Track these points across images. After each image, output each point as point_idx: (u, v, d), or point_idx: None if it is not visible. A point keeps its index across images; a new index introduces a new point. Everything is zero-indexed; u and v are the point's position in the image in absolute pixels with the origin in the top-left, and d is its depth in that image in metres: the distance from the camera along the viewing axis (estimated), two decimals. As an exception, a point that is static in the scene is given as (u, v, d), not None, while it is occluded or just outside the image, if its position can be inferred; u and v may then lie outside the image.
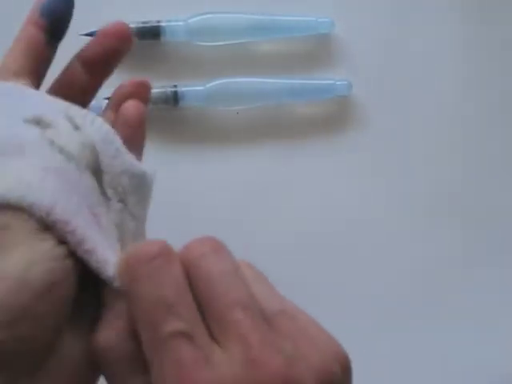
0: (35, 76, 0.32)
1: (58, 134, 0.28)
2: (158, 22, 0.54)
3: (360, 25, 0.56)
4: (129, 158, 0.31)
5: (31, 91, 0.30)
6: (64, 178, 0.27)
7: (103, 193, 0.29)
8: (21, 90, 0.30)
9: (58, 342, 0.26)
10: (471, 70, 0.57)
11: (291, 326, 0.27)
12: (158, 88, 0.53)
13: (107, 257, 0.27)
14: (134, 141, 0.34)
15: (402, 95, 0.56)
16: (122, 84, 0.35)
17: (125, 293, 0.26)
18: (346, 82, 0.55)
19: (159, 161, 0.54)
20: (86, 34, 0.50)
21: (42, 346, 0.26)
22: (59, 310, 0.26)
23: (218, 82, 0.54)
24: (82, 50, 0.34)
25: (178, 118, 0.55)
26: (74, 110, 0.30)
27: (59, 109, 0.29)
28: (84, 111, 0.30)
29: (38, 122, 0.28)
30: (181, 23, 0.54)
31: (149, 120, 0.55)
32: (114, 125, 0.33)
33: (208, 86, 0.54)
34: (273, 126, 0.55)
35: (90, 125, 0.30)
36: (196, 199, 0.54)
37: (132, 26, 0.53)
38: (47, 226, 0.25)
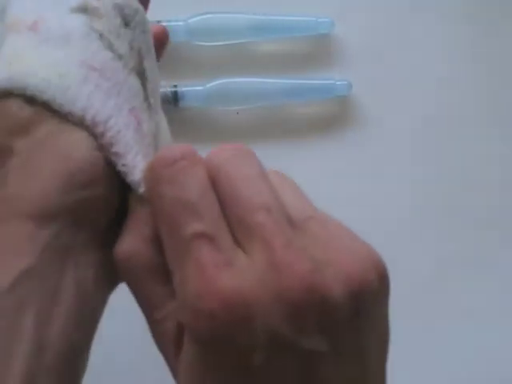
0: None
1: (108, 27, 0.27)
2: (158, 21, 0.54)
3: (360, 25, 0.57)
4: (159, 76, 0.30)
5: None
6: (107, 77, 0.26)
7: (147, 99, 0.28)
8: None
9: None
10: (471, 70, 0.57)
11: (321, 231, 0.26)
12: (158, 88, 0.53)
13: (136, 162, 0.26)
14: None
15: (402, 95, 0.56)
16: None
17: (148, 197, 0.25)
18: (345, 82, 0.55)
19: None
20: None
21: (112, 206, 0.27)
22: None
23: (218, 82, 0.54)
24: None
25: (177, 118, 0.55)
26: (125, 1, 0.28)
27: None
28: (135, 5, 0.29)
29: (85, 10, 0.27)
30: (181, 23, 0.54)
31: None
32: None
33: (208, 86, 0.54)
34: (273, 126, 0.55)
35: (139, 25, 0.28)
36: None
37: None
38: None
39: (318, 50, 0.56)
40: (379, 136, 0.56)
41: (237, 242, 0.24)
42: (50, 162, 0.25)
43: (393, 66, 0.56)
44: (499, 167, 0.56)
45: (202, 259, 0.23)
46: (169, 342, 0.25)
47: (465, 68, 0.57)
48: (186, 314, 0.23)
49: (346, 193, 0.55)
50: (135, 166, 0.26)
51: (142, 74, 0.28)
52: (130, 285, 0.26)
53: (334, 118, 0.56)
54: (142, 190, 0.26)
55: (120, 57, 0.27)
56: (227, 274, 0.23)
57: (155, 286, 0.25)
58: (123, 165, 0.26)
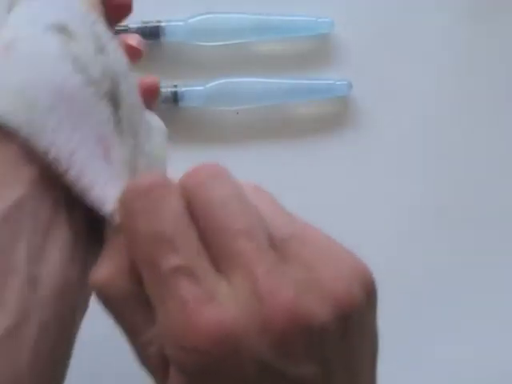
0: None
1: (82, 51, 0.26)
2: (158, 22, 0.54)
3: (360, 25, 0.56)
4: (139, 99, 0.29)
5: None
6: (75, 104, 0.25)
7: (118, 124, 0.27)
8: None
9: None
10: (471, 70, 0.57)
11: (303, 250, 0.25)
12: (158, 88, 0.54)
13: (106, 193, 0.26)
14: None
15: (402, 95, 0.56)
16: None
17: (122, 229, 0.25)
18: (345, 82, 0.55)
19: (159, 161, 0.54)
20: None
21: None
22: None
23: (218, 82, 0.54)
24: None
25: (177, 117, 0.55)
26: (101, 28, 0.28)
27: (87, 22, 0.27)
28: (110, 34, 0.28)
29: (62, 30, 0.26)
30: (181, 23, 0.54)
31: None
32: None
33: (208, 86, 0.54)
34: (273, 126, 0.55)
35: (113, 52, 0.28)
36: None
37: (132, 26, 0.53)
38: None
39: (318, 49, 0.56)
40: (379, 136, 0.56)
41: (218, 270, 0.24)
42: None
43: (393, 66, 0.56)
44: (499, 167, 0.56)
45: (183, 295, 0.23)
46: (154, 366, 0.25)
47: (465, 68, 0.57)
48: (170, 349, 0.23)
49: (345, 193, 0.55)
50: (105, 196, 0.25)
51: (114, 100, 0.27)
52: (107, 311, 0.26)
53: (334, 118, 0.56)
54: (115, 220, 0.25)
55: (92, 82, 0.26)
56: (209, 309, 0.22)
57: (134, 315, 0.25)
58: (92, 199, 0.25)
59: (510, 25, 0.57)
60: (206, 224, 0.24)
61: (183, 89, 0.54)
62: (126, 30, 0.53)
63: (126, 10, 0.34)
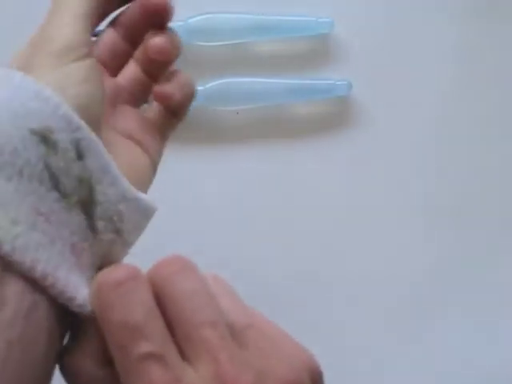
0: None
1: (61, 163, 0.27)
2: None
3: (360, 25, 0.56)
4: (127, 184, 0.30)
5: (47, 94, 0.28)
6: (51, 220, 0.27)
7: (91, 226, 0.28)
8: (35, 89, 0.27)
9: None
10: (471, 70, 0.57)
11: (259, 339, 0.27)
12: (158, 88, 0.54)
13: (79, 292, 0.27)
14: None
15: (402, 95, 0.56)
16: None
17: (96, 319, 0.27)
18: (345, 82, 0.55)
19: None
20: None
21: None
22: None
23: (218, 82, 0.54)
24: (118, 17, 0.33)
25: (178, 118, 0.55)
26: (83, 132, 0.28)
27: (71, 126, 0.28)
28: (92, 135, 0.29)
29: (45, 139, 0.27)
30: (181, 23, 0.54)
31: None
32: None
33: (208, 86, 0.54)
34: (273, 126, 0.55)
35: (93, 154, 0.28)
36: (196, 198, 0.54)
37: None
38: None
39: (318, 49, 0.56)
40: (379, 136, 0.56)
41: (184, 356, 0.26)
42: None
43: (393, 66, 0.56)
44: (500, 167, 0.56)
45: (153, 380, 0.25)
46: None
47: (465, 67, 0.57)
48: None
49: (345, 192, 0.55)
50: (77, 293, 0.27)
51: (88, 204, 0.28)
52: None
53: (334, 118, 0.56)
54: (87, 310, 0.27)
55: (65, 195, 0.27)
56: None
57: None
58: (65, 299, 0.27)
59: (510, 25, 0.57)
60: (173, 315, 0.26)
61: (183, 89, 0.54)
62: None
63: (164, 12, 0.33)
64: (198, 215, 0.54)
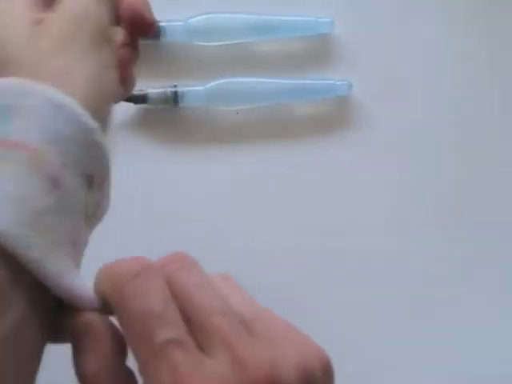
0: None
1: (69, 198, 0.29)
2: (158, 21, 0.54)
3: (360, 25, 0.57)
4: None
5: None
6: (78, 245, 0.29)
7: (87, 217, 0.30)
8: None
9: None
10: (471, 70, 0.57)
11: (269, 330, 0.28)
12: (158, 88, 0.54)
13: (82, 289, 0.28)
14: None
15: (402, 95, 0.56)
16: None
17: (115, 312, 0.27)
18: (345, 82, 0.55)
19: (159, 161, 0.54)
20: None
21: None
22: None
23: (217, 81, 0.54)
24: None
25: (178, 118, 0.55)
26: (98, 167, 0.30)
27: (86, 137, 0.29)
28: (104, 162, 0.30)
29: (57, 186, 0.28)
30: (181, 23, 0.54)
31: (149, 120, 0.55)
32: None
33: (208, 86, 0.54)
34: (273, 126, 0.55)
35: (103, 181, 0.30)
36: (196, 198, 0.54)
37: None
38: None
39: (318, 49, 0.56)
40: (379, 136, 0.56)
41: (198, 345, 0.27)
42: None
43: (393, 66, 0.56)
44: (500, 167, 0.56)
45: (177, 363, 0.26)
46: None
47: (465, 68, 0.57)
48: None
49: (345, 192, 0.55)
50: (85, 292, 0.28)
51: (91, 217, 0.30)
52: None
53: (334, 117, 0.56)
54: (94, 306, 0.28)
55: (87, 219, 0.30)
56: (200, 373, 0.25)
57: None
58: (69, 296, 0.28)
59: (510, 25, 0.57)
60: (185, 304, 0.27)
61: (183, 89, 0.54)
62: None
63: (146, 27, 0.38)
64: (198, 215, 0.54)
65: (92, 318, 0.28)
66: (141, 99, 0.53)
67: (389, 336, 0.54)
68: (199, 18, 0.54)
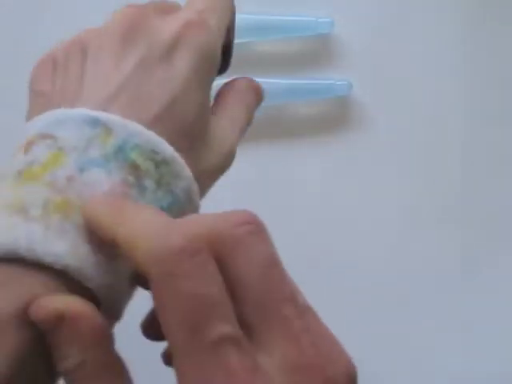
0: None
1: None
2: (158, 22, 0.54)
3: (360, 25, 0.57)
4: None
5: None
6: None
7: None
8: None
9: None
10: (471, 70, 0.57)
11: (318, 325, 0.24)
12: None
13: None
14: None
15: (402, 95, 0.56)
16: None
17: (155, 291, 0.23)
18: (345, 82, 0.55)
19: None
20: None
21: None
22: None
23: (218, 81, 0.54)
24: None
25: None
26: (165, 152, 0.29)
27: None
28: (185, 172, 0.30)
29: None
30: (181, 23, 0.54)
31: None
32: None
33: (208, 86, 0.54)
34: (273, 126, 0.55)
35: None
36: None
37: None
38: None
39: (318, 49, 0.56)
40: (379, 136, 0.56)
41: (253, 338, 0.23)
42: None
43: (393, 66, 0.56)
44: (500, 167, 0.56)
45: (232, 367, 0.22)
46: None
47: (465, 68, 0.57)
48: None
49: (345, 192, 0.55)
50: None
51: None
52: None
53: (334, 118, 0.56)
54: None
55: None
56: (255, 380, 0.22)
57: None
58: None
59: (510, 25, 0.57)
60: (243, 284, 0.23)
61: (183, 89, 0.54)
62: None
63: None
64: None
65: (65, 302, 0.24)
66: None
67: (389, 336, 0.54)
68: (199, 18, 0.54)
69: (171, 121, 0.29)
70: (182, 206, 0.29)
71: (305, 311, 0.23)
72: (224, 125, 0.35)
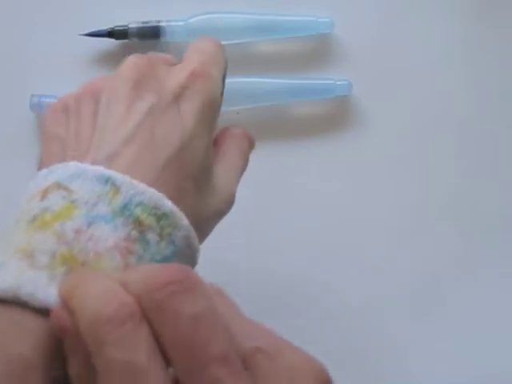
0: None
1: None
2: (158, 21, 0.54)
3: (360, 25, 0.56)
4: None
5: None
6: None
7: None
8: None
9: None
10: (471, 70, 0.57)
11: (269, 366, 0.24)
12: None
13: None
14: None
15: (402, 95, 0.56)
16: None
17: (93, 357, 0.23)
18: (345, 82, 0.55)
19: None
20: (86, 34, 0.50)
21: None
22: None
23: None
24: None
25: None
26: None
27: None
28: (185, 224, 0.32)
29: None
30: (181, 23, 0.54)
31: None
32: None
33: (208, 86, 0.54)
34: (273, 126, 0.55)
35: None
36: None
37: (132, 26, 0.53)
38: None
39: (318, 49, 0.56)
40: (379, 136, 0.56)
41: None
42: None
43: (393, 66, 0.56)
44: (500, 167, 0.56)
45: None
46: None
47: (465, 67, 0.57)
48: None
49: (345, 193, 0.55)
50: None
51: None
52: None
53: (334, 118, 0.56)
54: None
55: None
56: None
57: None
58: None
59: (510, 25, 0.57)
60: (173, 344, 0.23)
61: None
62: (126, 30, 0.53)
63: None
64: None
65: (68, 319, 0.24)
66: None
67: (389, 335, 0.54)
68: (199, 17, 0.54)
69: (180, 164, 0.32)
70: (182, 252, 0.31)
71: (240, 370, 0.23)
72: (223, 171, 0.37)
